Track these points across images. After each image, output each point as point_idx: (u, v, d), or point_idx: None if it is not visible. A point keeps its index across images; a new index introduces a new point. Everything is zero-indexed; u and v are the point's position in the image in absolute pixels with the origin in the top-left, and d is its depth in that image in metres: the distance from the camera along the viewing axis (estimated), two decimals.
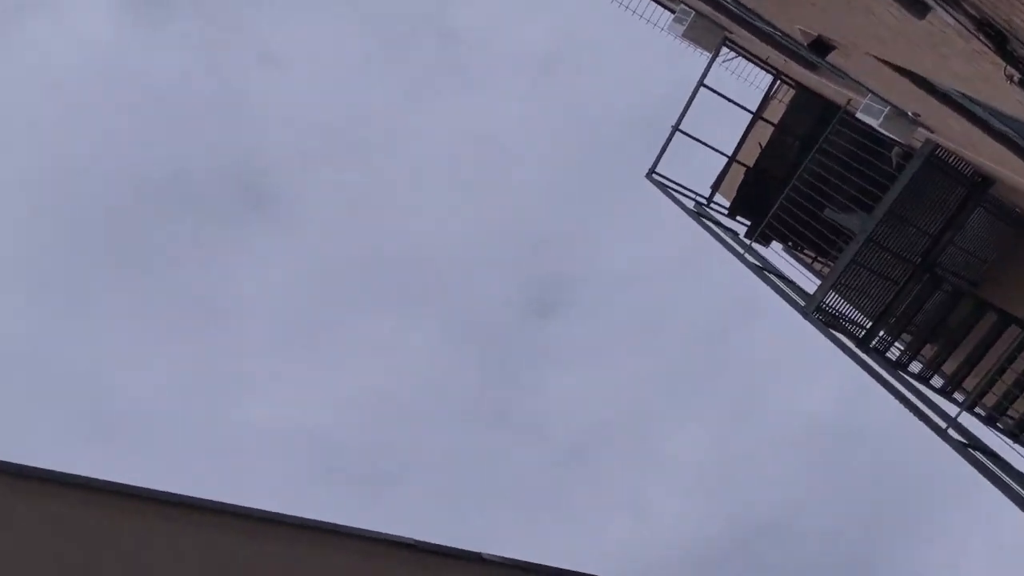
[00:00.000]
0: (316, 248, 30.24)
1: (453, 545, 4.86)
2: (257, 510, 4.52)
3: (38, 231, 25.73)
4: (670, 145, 12.08)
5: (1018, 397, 9.10)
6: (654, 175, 12.32)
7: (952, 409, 9.01)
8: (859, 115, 9.15)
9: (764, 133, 13.05)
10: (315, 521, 4.71)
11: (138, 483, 4.34)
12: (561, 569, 5.49)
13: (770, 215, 10.88)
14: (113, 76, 27.79)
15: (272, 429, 27.57)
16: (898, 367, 9.88)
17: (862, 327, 10.06)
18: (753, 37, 10.11)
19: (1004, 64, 3.62)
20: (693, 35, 10.53)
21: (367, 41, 30.64)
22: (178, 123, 28.26)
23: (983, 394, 9.21)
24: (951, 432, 8.54)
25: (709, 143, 12.62)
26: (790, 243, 12.74)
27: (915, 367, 10.13)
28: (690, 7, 10.53)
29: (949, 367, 10.15)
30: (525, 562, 5.29)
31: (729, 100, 12.37)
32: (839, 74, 8.77)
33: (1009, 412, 9.20)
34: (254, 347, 29.14)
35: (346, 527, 4.82)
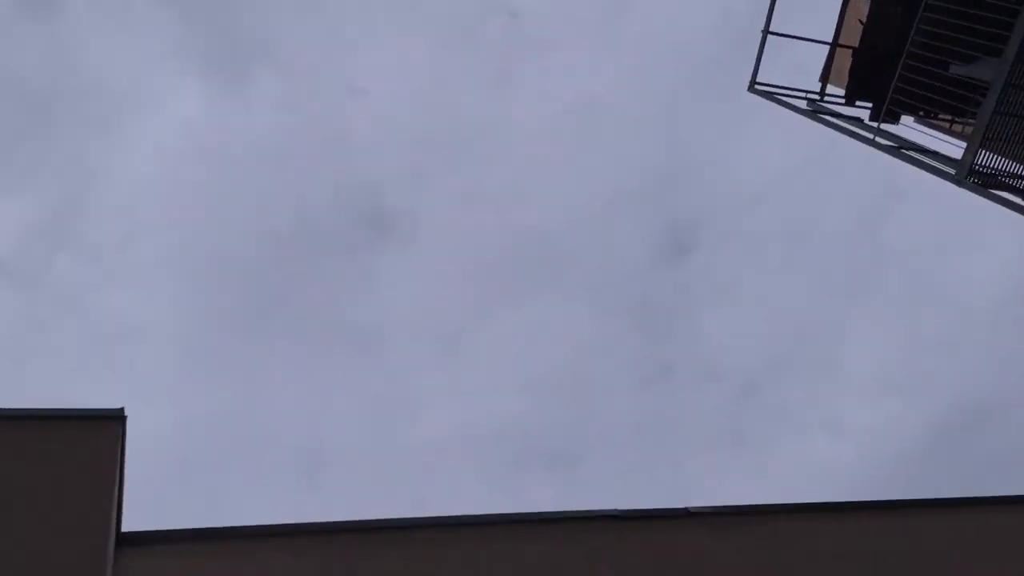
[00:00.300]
0: (447, 255, 30.88)
1: (657, 507, 4.85)
2: (465, 516, 4.67)
3: (191, 304, 27.56)
4: (764, 52, 11.57)
5: None
6: (756, 86, 11.82)
7: None
8: None
9: (861, 7, 12.26)
10: (517, 514, 4.81)
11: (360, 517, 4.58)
12: (769, 505, 5.38)
13: (891, 90, 10.21)
14: (215, 146, 29.39)
15: (455, 435, 28.46)
16: None
17: None
18: None
19: None
20: None
21: (434, 42, 30.93)
22: (286, 173, 29.52)
23: None
24: None
25: (804, 37, 12.01)
26: (921, 113, 11.94)
27: None
28: None
29: None
30: (733, 506, 5.22)
31: None
32: None
33: None
34: (415, 363, 30.14)
35: (547, 513, 4.89)
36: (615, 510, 4.74)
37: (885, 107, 10.57)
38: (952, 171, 9.34)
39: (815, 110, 11.69)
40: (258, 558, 4.49)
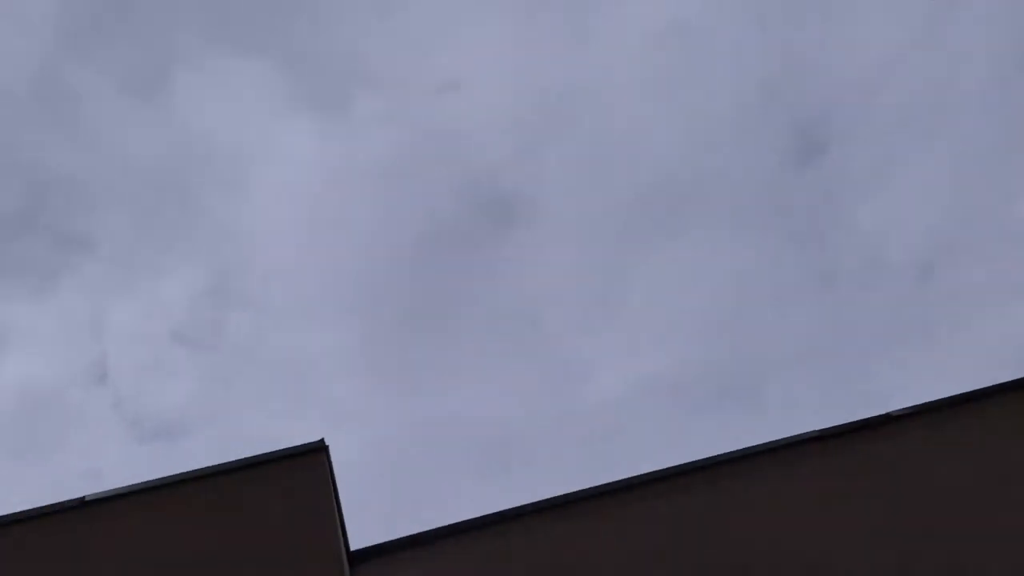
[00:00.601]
0: (578, 221, 30.84)
1: (857, 419, 4.71)
2: (662, 470, 4.70)
3: (358, 328, 28.88)
4: None
5: None
6: None
7: None
8: None
9: None
10: (721, 456, 4.79)
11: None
12: (974, 391, 5.12)
13: None
14: (336, 175, 30.56)
15: (631, 394, 28.52)
16: None
17: None
18: None
19: None
20: None
21: (507, 16, 30.81)
22: (407, 184, 30.32)
23: None
24: None
25: None
26: None
27: None
28: None
29: None
30: (934, 401, 5.00)
31: None
32: None
33: None
34: (577, 332, 30.36)
35: (746, 449, 4.85)
36: (815, 431, 4.64)
37: None
38: None
39: None
40: (477, 550, 4.69)
